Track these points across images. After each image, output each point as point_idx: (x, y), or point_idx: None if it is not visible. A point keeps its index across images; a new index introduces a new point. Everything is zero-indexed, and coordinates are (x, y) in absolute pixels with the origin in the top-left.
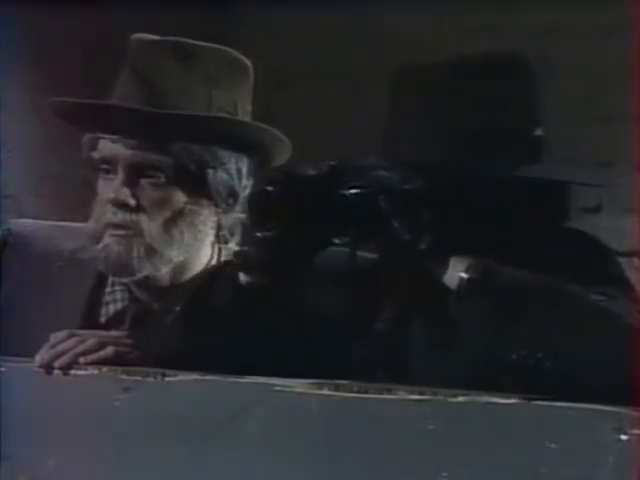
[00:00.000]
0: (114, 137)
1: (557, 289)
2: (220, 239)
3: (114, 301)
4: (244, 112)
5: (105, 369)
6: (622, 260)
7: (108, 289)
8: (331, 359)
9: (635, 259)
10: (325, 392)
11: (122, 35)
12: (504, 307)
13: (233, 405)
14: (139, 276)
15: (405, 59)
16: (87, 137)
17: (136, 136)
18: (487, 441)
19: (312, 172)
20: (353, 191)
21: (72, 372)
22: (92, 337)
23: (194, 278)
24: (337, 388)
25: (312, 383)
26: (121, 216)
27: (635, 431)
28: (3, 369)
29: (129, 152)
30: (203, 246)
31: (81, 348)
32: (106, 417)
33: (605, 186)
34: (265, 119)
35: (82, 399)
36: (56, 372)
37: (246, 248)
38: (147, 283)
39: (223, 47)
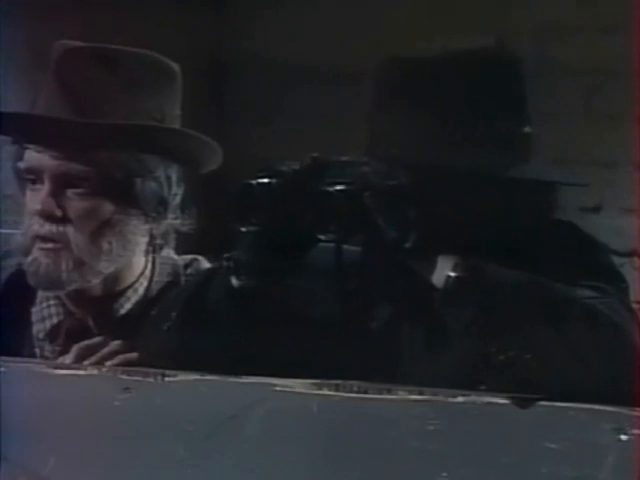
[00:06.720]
0: (39, 148)
1: (546, 287)
2: (153, 248)
3: (49, 316)
4: (172, 118)
5: (105, 369)
6: (622, 260)
7: (44, 304)
8: (314, 357)
9: (635, 259)
10: (325, 392)
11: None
12: (492, 306)
13: (233, 405)
14: (69, 289)
15: (391, 55)
16: (13, 147)
17: (61, 146)
18: (487, 441)
19: (295, 168)
20: (337, 187)
21: (72, 372)
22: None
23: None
24: (337, 388)
25: (312, 383)
26: (48, 228)
27: (635, 431)
28: (3, 369)
29: (54, 162)
30: (134, 256)
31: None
32: (106, 417)
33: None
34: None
35: (82, 399)
36: (56, 372)
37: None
38: (79, 296)
39: (148, 52)
